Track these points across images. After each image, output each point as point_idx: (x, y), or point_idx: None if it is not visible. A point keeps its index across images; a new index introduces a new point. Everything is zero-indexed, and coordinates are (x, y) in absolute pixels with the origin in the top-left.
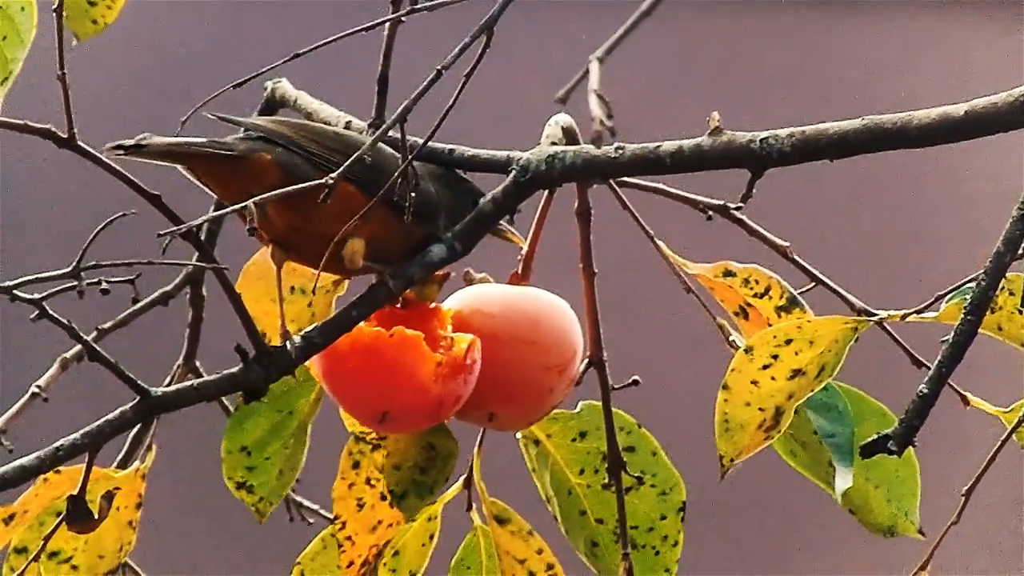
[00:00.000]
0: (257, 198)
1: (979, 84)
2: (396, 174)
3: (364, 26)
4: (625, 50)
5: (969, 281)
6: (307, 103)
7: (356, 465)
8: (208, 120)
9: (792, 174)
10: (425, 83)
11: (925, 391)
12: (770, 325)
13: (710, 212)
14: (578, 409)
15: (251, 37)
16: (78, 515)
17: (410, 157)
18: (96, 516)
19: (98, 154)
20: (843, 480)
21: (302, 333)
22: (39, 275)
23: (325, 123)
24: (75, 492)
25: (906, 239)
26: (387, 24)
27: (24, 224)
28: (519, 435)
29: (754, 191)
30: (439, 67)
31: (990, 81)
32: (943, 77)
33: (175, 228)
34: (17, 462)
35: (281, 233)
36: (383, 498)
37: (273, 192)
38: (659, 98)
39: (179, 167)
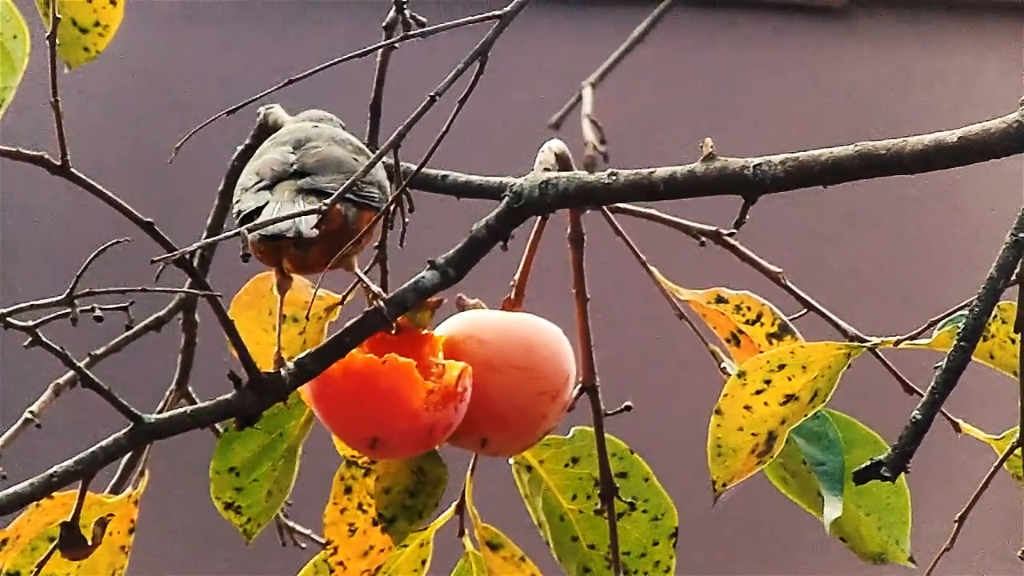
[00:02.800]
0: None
1: (975, 110)
2: (390, 200)
3: (357, 52)
4: (618, 76)
5: (962, 307)
6: None
7: (348, 490)
8: (200, 144)
9: (786, 200)
10: (419, 109)
11: (918, 417)
12: (761, 352)
13: (703, 238)
14: (570, 435)
15: (244, 63)
16: (72, 542)
17: (404, 183)
18: (90, 543)
19: (90, 181)
20: (832, 509)
21: (295, 359)
22: (33, 302)
23: None
24: (68, 519)
25: (899, 266)
26: (380, 51)
27: (18, 250)
28: (511, 461)
29: (747, 217)
30: (433, 93)
31: (985, 106)
32: (937, 103)
33: (168, 255)
34: (11, 489)
35: (314, 265)
36: (375, 523)
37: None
38: (652, 124)
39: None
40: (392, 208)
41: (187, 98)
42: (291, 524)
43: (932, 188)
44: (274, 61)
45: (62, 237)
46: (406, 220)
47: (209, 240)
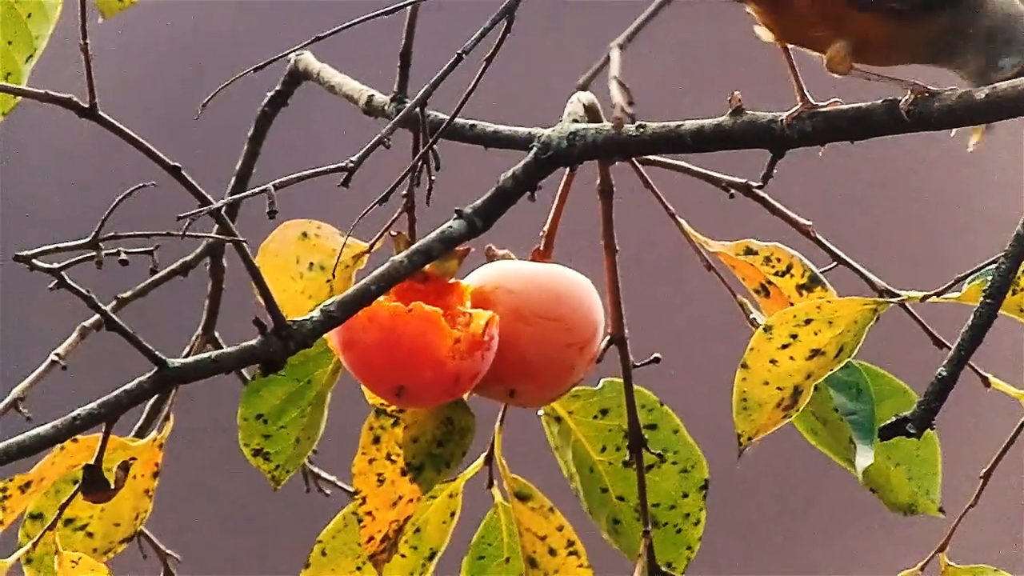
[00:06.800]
0: None
1: None
2: (419, 156)
3: (384, 10)
4: (646, 37)
5: (990, 263)
6: (330, 76)
7: (376, 440)
8: (230, 101)
9: (815, 156)
10: (446, 66)
11: (944, 374)
12: (791, 303)
13: (732, 190)
14: (599, 386)
15: (274, 21)
16: (94, 484)
17: (432, 139)
18: (112, 486)
19: (118, 124)
20: (864, 457)
21: (321, 306)
22: (58, 245)
23: (348, 96)
24: (91, 462)
25: (929, 223)
26: (409, 5)
27: (44, 197)
28: (541, 412)
29: (776, 173)
30: (460, 51)
31: None
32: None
33: (198, 209)
34: (34, 431)
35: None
36: (403, 474)
37: None
38: (680, 85)
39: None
40: (420, 163)
41: (217, 56)
42: (316, 470)
43: (960, 146)
44: (304, 19)
45: (87, 185)
46: (432, 177)
47: (238, 196)
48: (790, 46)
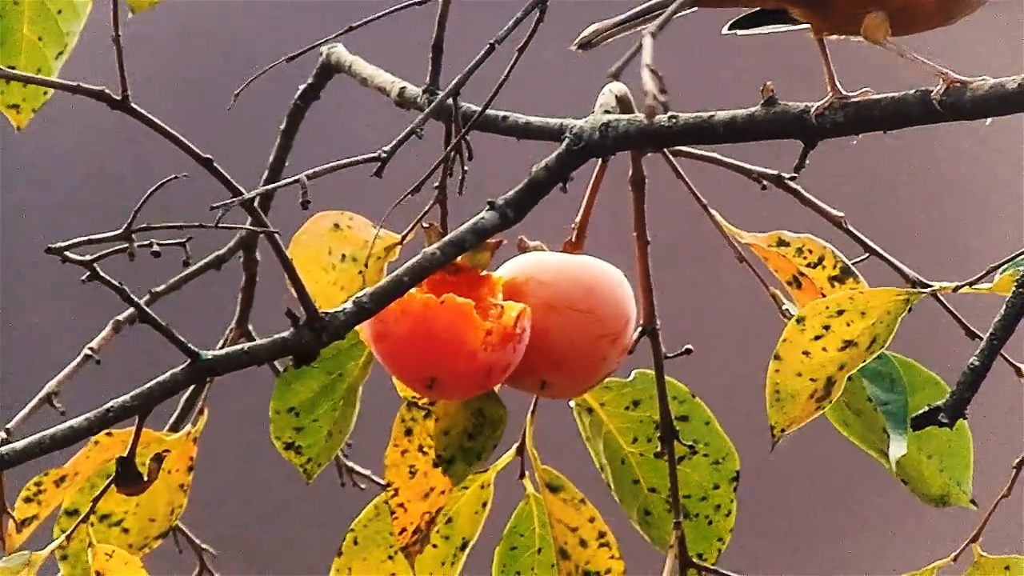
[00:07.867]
0: None
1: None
2: (451, 147)
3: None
4: (679, 25)
5: (1022, 253)
6: (361, 68)
7: (408, 432)
8: (260, 94)
9: (847, 147)
10: (478, 57)
11: (976, 363)
12: (823, 295)
13: (764, 182)
14: (631, 377)
15: (305, 14)
16: (127, 477)
17: (465, 129)
18: (145, 478)
19: (150, 116)
20: (897, 447)
21: (353, 298)
22: (91, 236)
23: (380, 89)
24: (124, 455)
25: (961, 213)
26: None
27: (75, 189)
28: (573, 403)
29: (808, 164)
30: (492, 41)
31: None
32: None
33: (232, 200)
34: (67, 423)
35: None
36: (435, 465)
37: None
38: (713, 75)
39: None
40: (452, 155)
41: (249, 47)
42: (351, 465)
43: (990, 137)
44: (333, 6)
45: (118, 177)
46: (465, 168)
47: (270, 187)
48: (825, 37)
